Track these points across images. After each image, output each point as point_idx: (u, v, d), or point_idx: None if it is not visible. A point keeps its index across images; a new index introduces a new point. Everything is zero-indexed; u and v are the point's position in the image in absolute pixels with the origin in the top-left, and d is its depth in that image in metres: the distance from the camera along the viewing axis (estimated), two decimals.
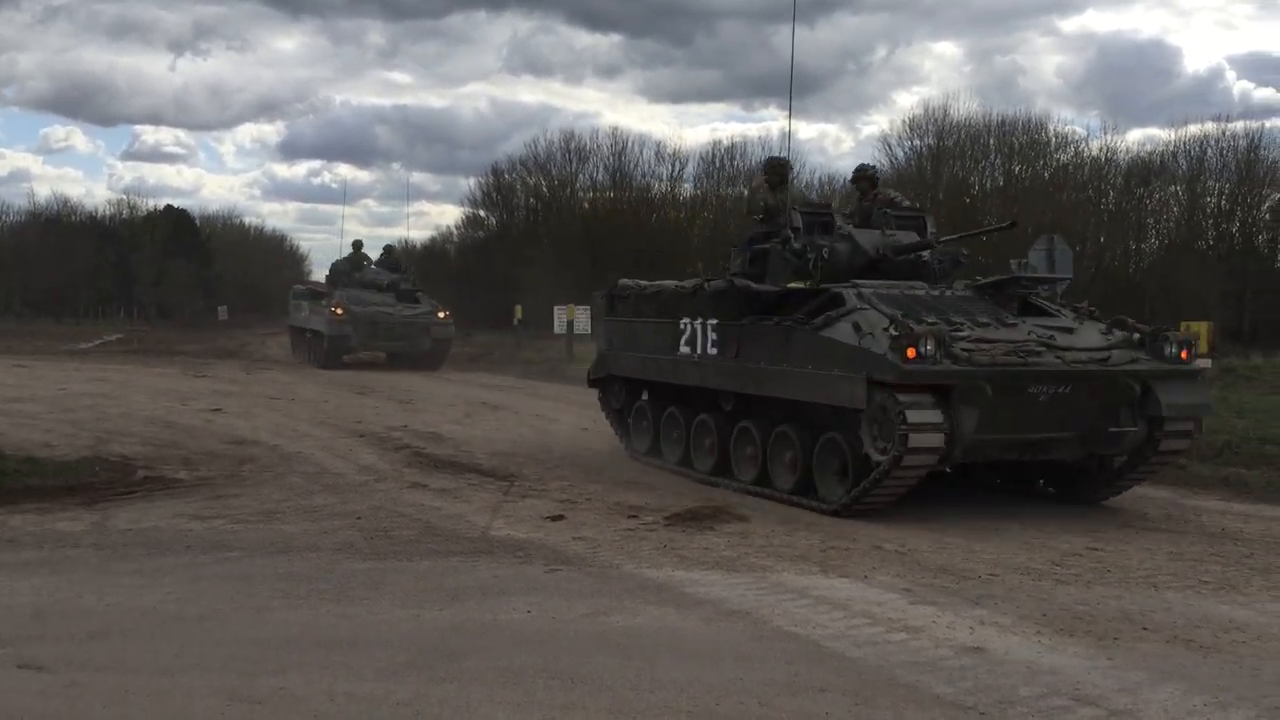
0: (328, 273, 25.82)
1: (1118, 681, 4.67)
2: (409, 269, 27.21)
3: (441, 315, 23.69)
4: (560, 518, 7.94)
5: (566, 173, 47.91)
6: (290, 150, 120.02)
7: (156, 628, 5.26)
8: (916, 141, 40.44)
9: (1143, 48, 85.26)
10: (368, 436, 12.30)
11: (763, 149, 47.26)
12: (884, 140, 44.50)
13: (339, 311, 22.65)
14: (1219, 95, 75.78)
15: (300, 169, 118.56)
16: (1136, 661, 4.94)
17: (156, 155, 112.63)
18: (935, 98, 67.23)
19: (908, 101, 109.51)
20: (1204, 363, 11.27)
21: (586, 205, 47.18)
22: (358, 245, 25.98)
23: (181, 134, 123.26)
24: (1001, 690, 4.55)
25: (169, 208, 66.41)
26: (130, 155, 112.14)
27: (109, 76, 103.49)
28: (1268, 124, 55.52)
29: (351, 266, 24.99)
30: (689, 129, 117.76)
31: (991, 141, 39.21)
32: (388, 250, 26.79)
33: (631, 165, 46.84)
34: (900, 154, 41.26)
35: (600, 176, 47.54)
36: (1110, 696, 4.49)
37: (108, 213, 64.43)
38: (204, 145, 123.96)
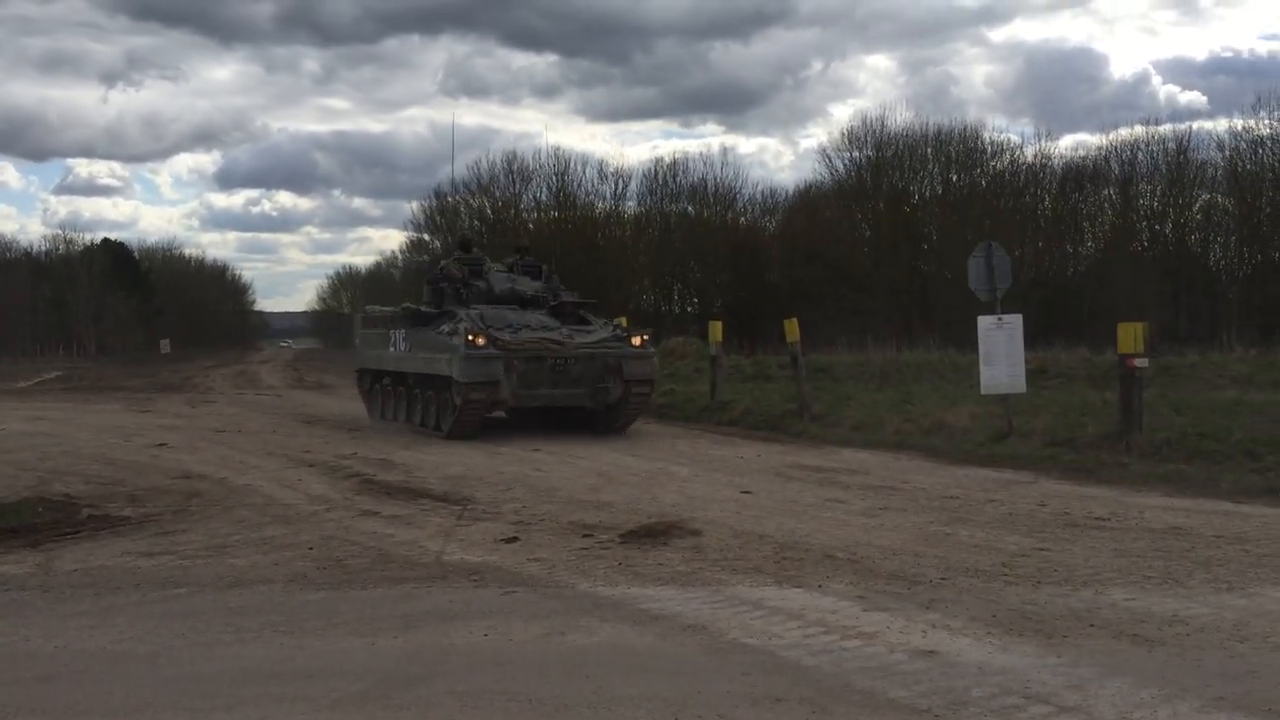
0: (426, 285, 16.96)
1: (1067, 678, 4.76)
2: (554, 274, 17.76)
3: (636, 341, 14.92)
4: (514, 540, 7.93)
5: (510, 194, 48.02)
6: (228, 179, 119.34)
7: (107, 668, 5.18)
8: (855, 153, 41.07)
9: (1070, 55, 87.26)
10: (317, 466, 12.19)
11: (704, 165, 47.70)
12: (823, 152, 45.01)
13: (479, 341, 13.91)
14: (1146, 99, 77.80)
15: (239, 198, 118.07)
16: (1085, 658, 5.04)
17: (91, 188, 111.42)
18: (871, 109, 68.40)
19: (844, 114, 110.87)
20: (1140, 362, 11.52)
21: (531, 226, 47.24)
22: (467, 244, 18.24)
23: (116, 166, 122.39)
24: (955, 692, 4.62)
25: (106, 241, 65.74)
26: (64, 189, 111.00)
27: (40, 110, 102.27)
28: (1194, 126, 57.00)
29: (469, 273, 16.26)
30: (629, 147, 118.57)
31: (929, 151, 39.93)
32: (522, 250, 18.15)
33: (575, 184, 47.15)
34: (840, 166, 41.83)
35: (544, 197, 47.71)
36: (1060, 693, 4.58)
37: (43, 248, 63.65)
38: (139, 177, 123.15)
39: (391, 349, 16.46)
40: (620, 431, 15.00)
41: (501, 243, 46.47)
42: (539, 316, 15.35)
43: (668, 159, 49.53)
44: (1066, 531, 7.97)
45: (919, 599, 6.11)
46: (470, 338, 13.92)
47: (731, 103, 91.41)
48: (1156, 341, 20.07)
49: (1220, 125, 57.75)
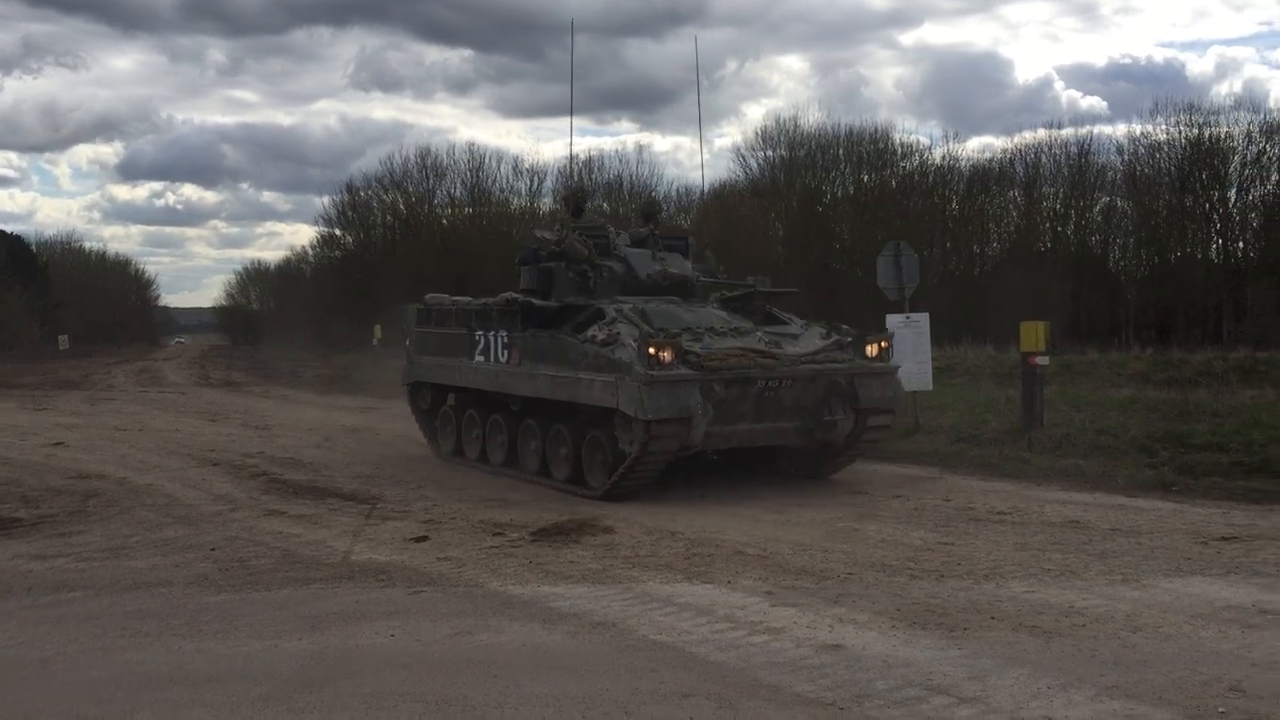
0: (521, 267, 11.62)
1: (967, 670, 4.86)
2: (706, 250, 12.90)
3: (872, 351, 10.05)
4: (424, 539, 7.85)
5: (424, 189, 47.49)
6: (130, 171, 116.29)
7: None
8: (769, 152, 41.37)
9: (976, 60, 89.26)
10: (222, 465, 11.93)
11: (620, 162, 47.76)
12: (737, 151, 45.32)
13: (666, 356, 9.02)
14: (1049, 104, 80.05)
15: (142, 190, 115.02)
16: (985, 650, 5.15)
17: None
18: (784, 109, 69.05)
19: (758, 113, 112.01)
20: (1042, 359, 11.83)
21: (445, 222, 46.79)
22: (579, 205, 13.06)
23: (13, 156, 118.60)
24: (859, 685, 4.69)
25: (1, 234, 63.37)
26: None
27: None
28: (1095, 130, 58.65)
29: (595, 248, 11.24)
30: (544, 144, 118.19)
31: (840, 151, 40.34)
32: (653, 217, 12.50)
33: (490, 181, 46.73)
34: (754, 164, 42.13)
35: (459, 192, 47.27)
36: (961, 684, 4.68)
37: None
38: (36, 168, 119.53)
39: (480, 358, 11.35)
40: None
41: (415, 240, 45.97)
42: (715, 313, 10.61)
43: (583, 155, 49.32)
44: (970, 526, 8.14)
45: (827, 594, 6.19)
46: (652, 350, 9.02)
47: (645, 101, 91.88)
48: (1058, 340, 20.61)
49: (1119, 130, 59.62)
